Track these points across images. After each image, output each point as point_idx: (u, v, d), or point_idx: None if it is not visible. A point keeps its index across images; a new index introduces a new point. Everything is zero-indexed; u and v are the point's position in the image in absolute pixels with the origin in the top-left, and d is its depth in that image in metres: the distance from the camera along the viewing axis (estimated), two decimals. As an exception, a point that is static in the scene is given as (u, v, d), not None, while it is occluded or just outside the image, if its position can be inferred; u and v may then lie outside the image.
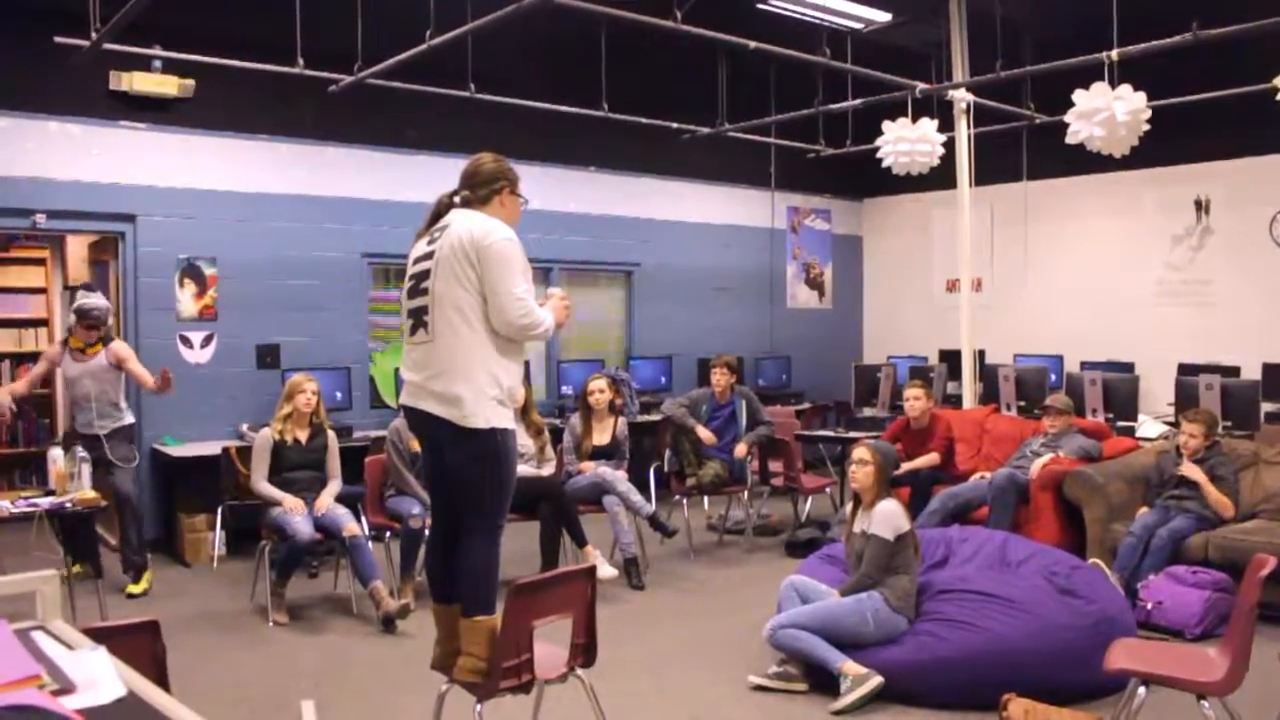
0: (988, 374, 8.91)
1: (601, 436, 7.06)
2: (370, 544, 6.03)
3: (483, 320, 3.51)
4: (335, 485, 6.24)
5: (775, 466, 7.89)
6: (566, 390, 9.09)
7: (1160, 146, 7.23)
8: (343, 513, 6.02)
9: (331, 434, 6.41)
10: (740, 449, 7.39)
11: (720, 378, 7.58)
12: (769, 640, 4.73)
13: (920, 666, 4.47)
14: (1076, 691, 4.30)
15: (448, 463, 3.62)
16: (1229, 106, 7.77)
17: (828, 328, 11.68)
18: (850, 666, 4.46)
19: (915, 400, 7.20)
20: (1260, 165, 8.86)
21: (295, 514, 5.88)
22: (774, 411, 8.33)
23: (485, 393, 3.49)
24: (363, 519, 6.31)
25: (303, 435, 6.23)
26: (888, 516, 4.74)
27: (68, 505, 5.46)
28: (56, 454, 5.76)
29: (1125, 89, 6.21)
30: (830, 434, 9.07)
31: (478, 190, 3.70)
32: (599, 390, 7.08)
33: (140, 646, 2.74)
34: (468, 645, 3.52)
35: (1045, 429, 6.85)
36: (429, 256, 3.58)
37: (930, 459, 7.08)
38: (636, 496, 6.68)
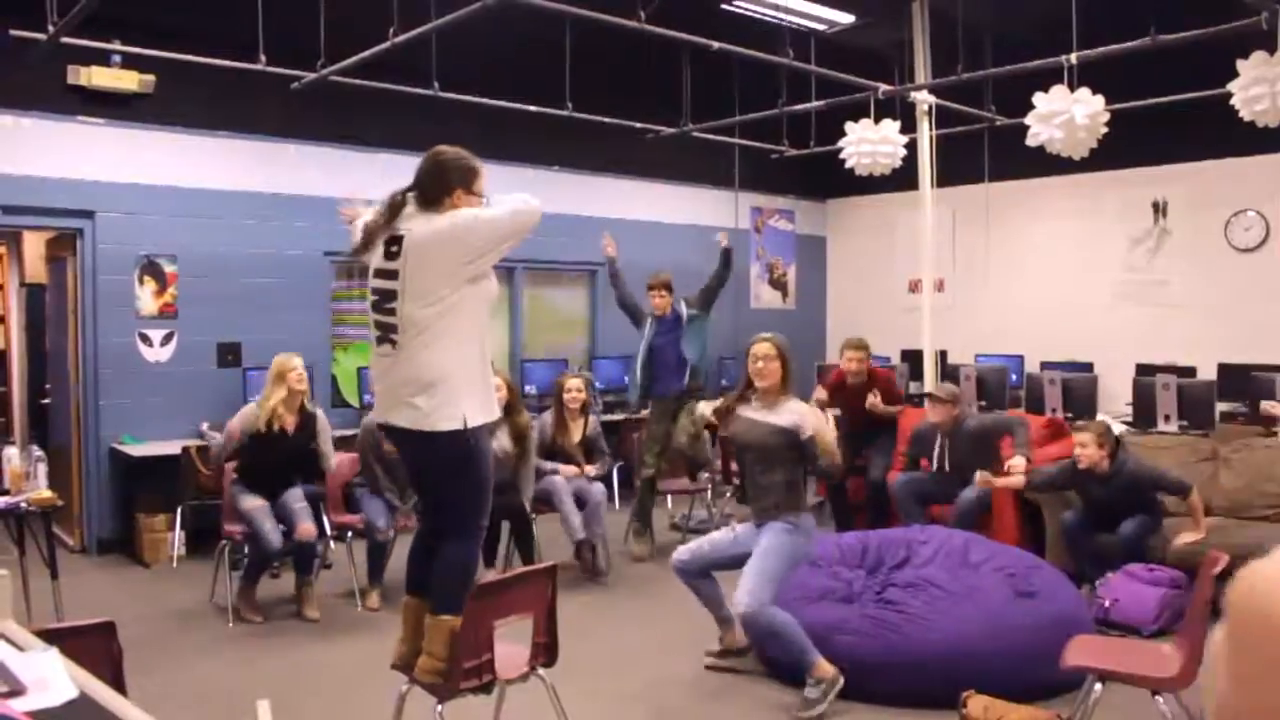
0: (949, 374, 8.98)
1: (574, 435, 7.04)
2: (333, 544, 5.99)
3: None
4: (331, 463, 6.18)
5: (718, 465, 7.91)
6: (530, 390, 9.06)
7: (1119, 149, 7.33)
8: (300, 508, 5.89)
9: (320, 412, 6.18)
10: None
11: (660, 300, 7.24)
12: (744, 617, 4.52)
13: (883, 665, 4.50)
14: (1035, 689, 4.35)
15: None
16: (1186, 110, 7.87)
17: (791, 328, 11.66)
18: (823, 668, 4.44)
19: (855, 363, 7.12)
20: (1217, 169, 9.00)
21: (264, 522, 5.78)
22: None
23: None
24: (324, 518, 6.27)
25: (291, 423, 5.95)
26: (802, 410, 4.68)
27: (23, 505, 5.38)
28: (11, 453, 5.68)
29: (1084, 92, 6.28)
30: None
31: (428, 192, 3.55)
32: (576, 389, 7.00)
33: (95, 647, 2.71)
34: (429, 644, 3.51)
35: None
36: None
37: (875, 403, 7.01)
38: (575, 520, 6.57)
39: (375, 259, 3.57)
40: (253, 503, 5.87)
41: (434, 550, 3.68)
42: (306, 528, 5.82)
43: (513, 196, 3.55)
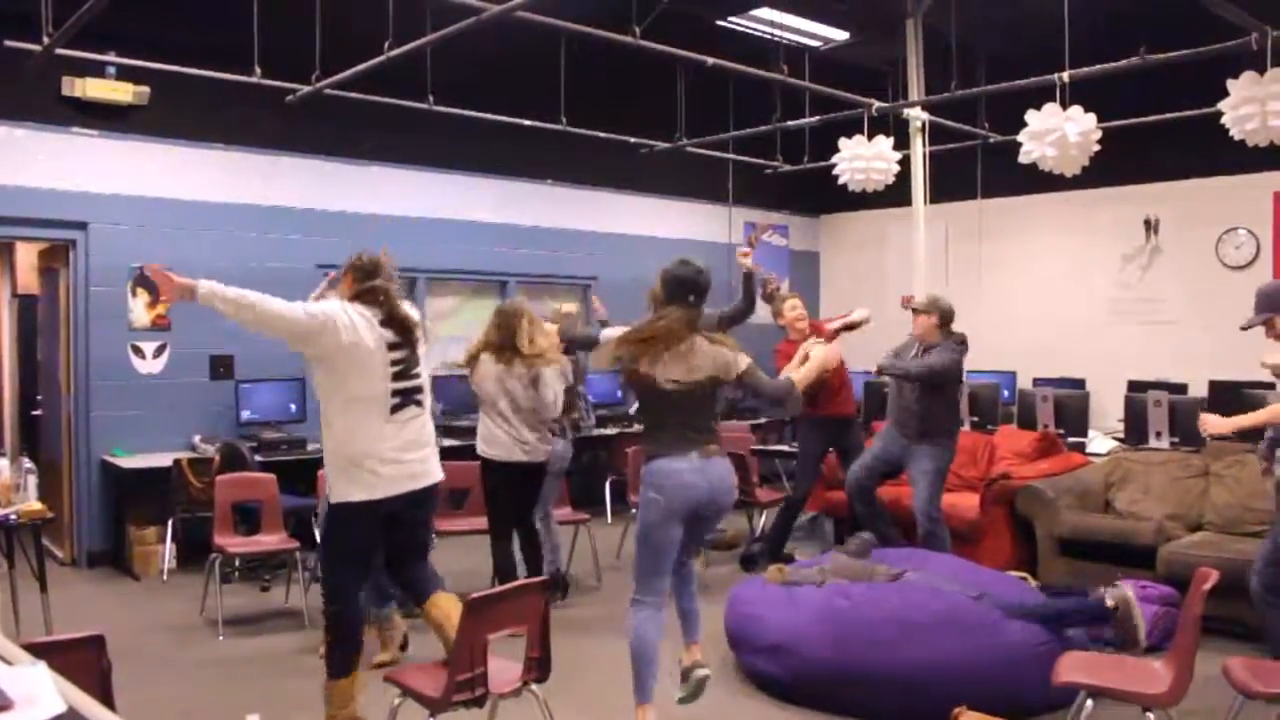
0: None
1: None
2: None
3: None
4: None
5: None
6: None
7: (1111, 167, 7.36)
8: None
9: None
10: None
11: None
12: None
13: (873, 680, 4.49)
14: (1027, 706, 4.34)
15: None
16: (1177, 129, 7.92)
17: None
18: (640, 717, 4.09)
19: (798, 308, 6.99)
20: (1207, 187, 9.04)
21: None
22: (729, 426, 8.35)
23: None
24: (317, 532, 6.25)
25: None
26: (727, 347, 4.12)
27: (12, 517, 5.36)
28: (1, 464, 5.65)
29: (1076, 110, 6.31)
30: (785, 448, 9.11)
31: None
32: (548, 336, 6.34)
33: (84, 662, 2.70)
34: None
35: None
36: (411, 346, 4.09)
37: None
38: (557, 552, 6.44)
39: (377, 336, 3.95)
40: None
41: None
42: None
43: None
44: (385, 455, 3.97)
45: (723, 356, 4.04)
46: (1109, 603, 4.62)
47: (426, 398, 4.14)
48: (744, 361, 4.08)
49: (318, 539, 4.91)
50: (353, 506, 3.97)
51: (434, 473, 4.16)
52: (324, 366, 3.98)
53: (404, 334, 4.02)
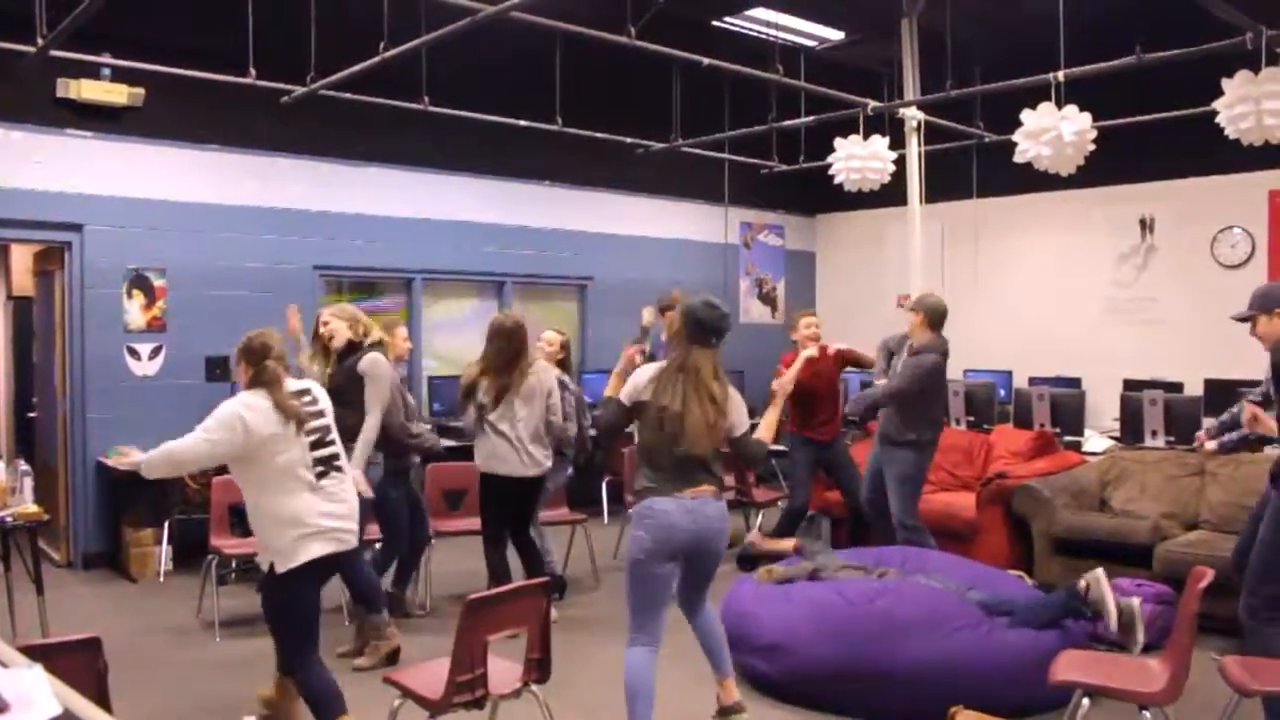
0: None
1: None
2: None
3: None
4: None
5: (727, 480, 7.89)
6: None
7: (1106, 166, 7.36)
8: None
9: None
10: None
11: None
12: None
13: (870, 678, 4.50)
14: (1024, 705, 4.34)
15: None
16: (1172, 128, 7.93)
17: (780, 343, 11.71)
18: None
19: (813, 326, 6.90)
20: (1202, 186, 9.05)
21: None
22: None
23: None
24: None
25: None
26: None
27: (8, 520, 5.35)
28: (-2, 467, 5.66)
29: (1071, 109, 6.31)
30: (782, 448, 9.10)
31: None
32: (548, 344, 6.55)
33: (81, 664, 2.70)
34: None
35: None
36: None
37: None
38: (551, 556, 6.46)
39: (279, 420, 3.93)
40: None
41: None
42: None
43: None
44: (316, 517, 3.90)
45: (729, 415, 4.11)
46: (1080, 583, 4.64)
47: (345, 463, 4.15)
48: (745, 425, 4.18)
49: None
50: (290, 574, 3.88)
51: (353, 541, 4.13)
52: (240, 464, 3.99)
53: (295, 418, 3.93)
